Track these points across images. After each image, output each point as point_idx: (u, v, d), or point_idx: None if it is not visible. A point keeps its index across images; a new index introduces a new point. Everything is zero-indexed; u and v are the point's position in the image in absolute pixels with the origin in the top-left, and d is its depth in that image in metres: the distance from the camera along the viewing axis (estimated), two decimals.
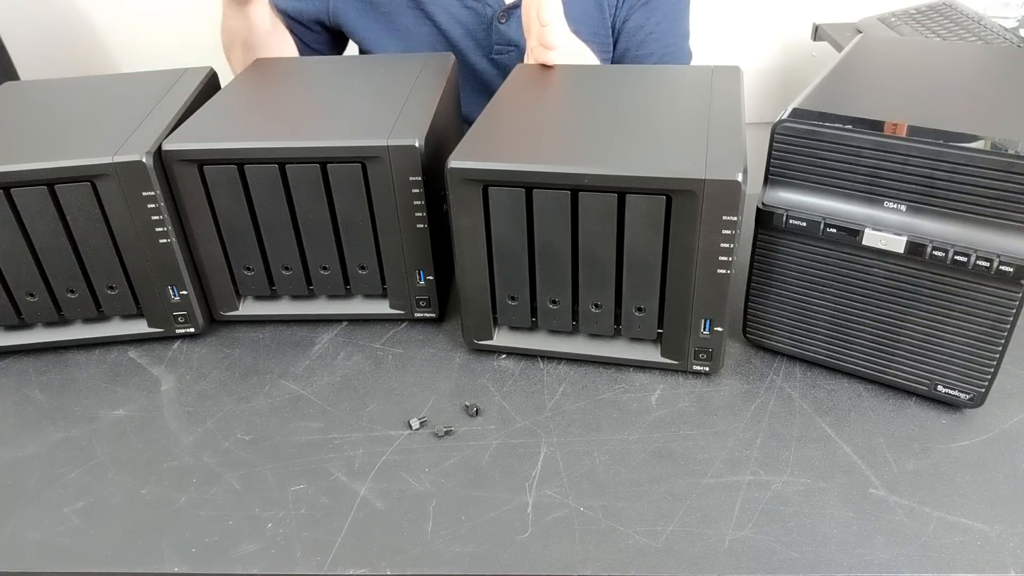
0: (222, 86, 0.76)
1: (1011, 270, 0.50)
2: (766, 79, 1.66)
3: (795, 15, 1.57)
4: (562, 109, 0.66)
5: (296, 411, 0.62)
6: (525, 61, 0.80)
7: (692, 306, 0.59)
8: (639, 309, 0.61)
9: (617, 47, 1.05)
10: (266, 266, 0.69)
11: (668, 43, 1.06)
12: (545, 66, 0.75)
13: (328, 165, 0.63)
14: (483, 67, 1.04)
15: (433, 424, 0.60)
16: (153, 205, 0.63)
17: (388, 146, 0.61)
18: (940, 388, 0.58)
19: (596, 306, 0.62)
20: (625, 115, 0.63)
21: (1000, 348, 0.54)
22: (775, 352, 0.65)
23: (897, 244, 0.54)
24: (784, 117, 0.55)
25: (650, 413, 0.60)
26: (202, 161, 0.63)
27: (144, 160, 0.61)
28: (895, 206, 0.53)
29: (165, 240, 0.64)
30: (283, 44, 1.02)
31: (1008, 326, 0.53)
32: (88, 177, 0.61)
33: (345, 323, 0.72)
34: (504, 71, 1.03)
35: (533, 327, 0.66)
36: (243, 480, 0.56)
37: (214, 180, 0.64)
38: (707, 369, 0.63)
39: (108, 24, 1.64)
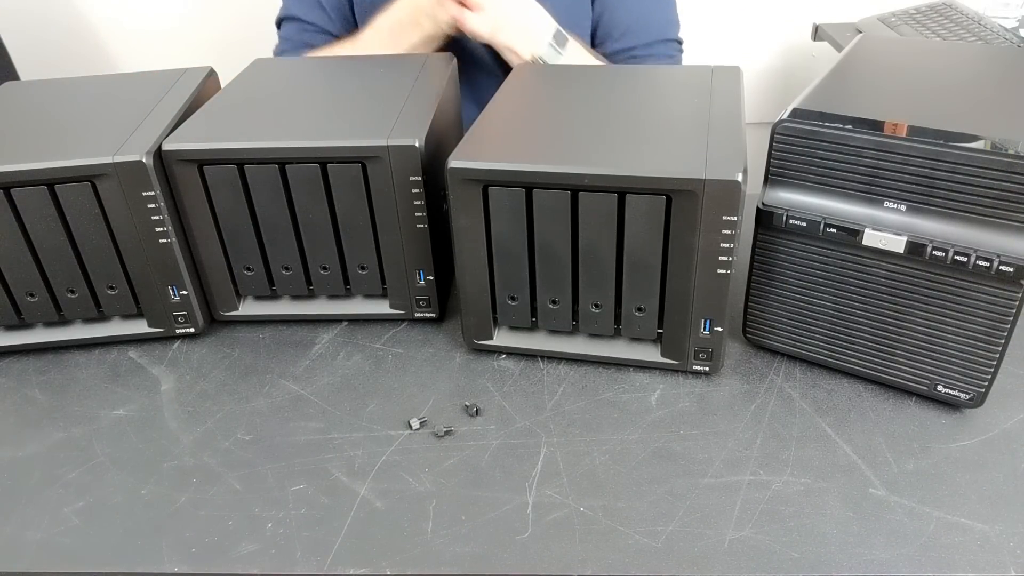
0: (222, 86, 0.76)
1: (1011, 270, 0.50)
2: (766, 79, 1.66)
3: (795, 15, 1.57)
4: (562, 109, 0.66)
5: (296, 411, 0.62)
6: None
7: (692, 306, 0.59)
8: (639, 309, 0.61)
9: (595, 8, 1.04)
10: (266, 266, 0.69)
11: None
12: (545, 66, 0.75)
13: (328, 165, 0.63)
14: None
15: (433, 424, 0.60)
16: (153, 205, 0.63)
17: (388, 146, 0.61)
18: (940, 388, 0.58)
19: (596, 306, 0.62)
20: (625, 115, 0.63)
21: (1000, 348, 0.54)
22: (775, 352, 0.65)
23: (897, 244, 0.54)
24: (784, 117, 0.55)
25: (650, 413, 0.60)
26: (202, 161, 0.63)
27: (144, 160, 0.61)
28: (895, 206, 0.53)
29: (165, 240, 0.64)
30: None
31: (1008, 326, 0.53)
32: (88, 177, 0.61)
33: (345, 323, 0.72)
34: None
35: (533, 327, 0.66)
36: (243, 480, 0.56)
37: (214, 180, 0.64)
38: (707, 369, 0.63)
39: (108, 24, 1.64)
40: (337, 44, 1.02)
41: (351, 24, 1.06)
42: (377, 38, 0.96)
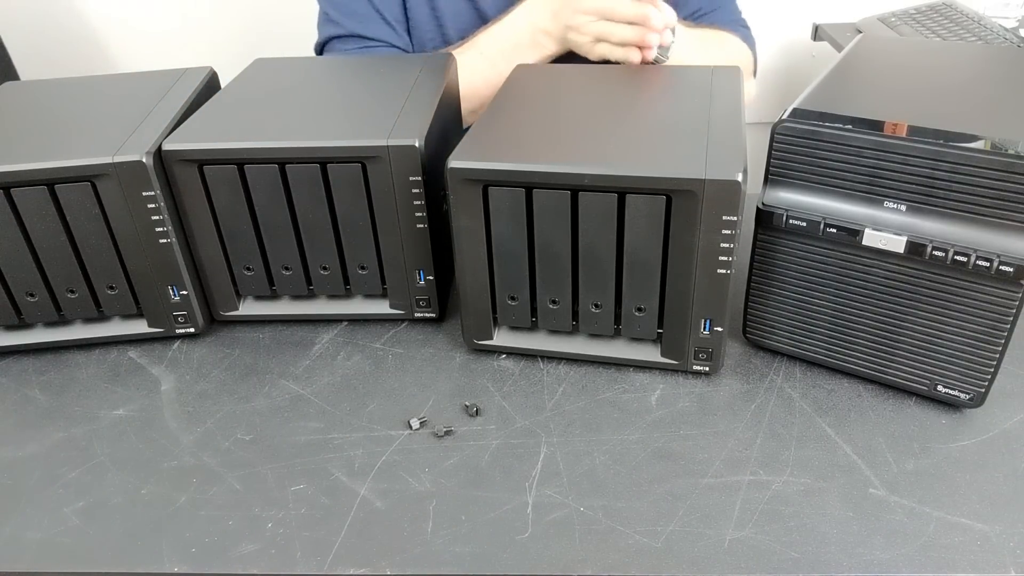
0: (222, 86, 0.76)
1: (1011, 270, 0.50)
2: (766, 79, 1.66)
3: (795, 15, 1.57)
4: (562, 109, 0.66)
5: (296, 411, 0.62)
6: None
7: (692, 306, 0.59)
8: (639, 309, 0.61)
9: None
10: (266, 266, 0.69)
11: None
12: (545, 66, 0.75)
13: (328, 165, 0.63)
14: None
15: (433, 424, 0.60)
16: (153, 205, 0.63)
17: (388, 146, 0.61)
18: (940, 388, 0.58)
19: (596, 306, 0.62)
20: (625, 115, 0.63)
21: (1000, 348, 0.54)
22: (775, 352, 0.65)
23: (897, 244, 0.54)
24: (784, 117, 0.55)
25: (650, 413, 0.60)
26: (202, 161, 0.63)
27: (144, 160, 0.61)
28: (895, 206, 0.53)
29: (165, 240, 0.64)
30: None
31: (1008, 326, 0.53)
32: (88, 177, 0.61)
33: (345, 323, 0.72)
34: None
35: (533, 327, 0.66)
36: (243, 480, 0.56)
37: (214, 180, 0.64)
38: (707, 369, 0.63)
39: (108, 24, 1.64)
40: None
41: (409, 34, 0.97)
42: (484, 63, 0.86)
